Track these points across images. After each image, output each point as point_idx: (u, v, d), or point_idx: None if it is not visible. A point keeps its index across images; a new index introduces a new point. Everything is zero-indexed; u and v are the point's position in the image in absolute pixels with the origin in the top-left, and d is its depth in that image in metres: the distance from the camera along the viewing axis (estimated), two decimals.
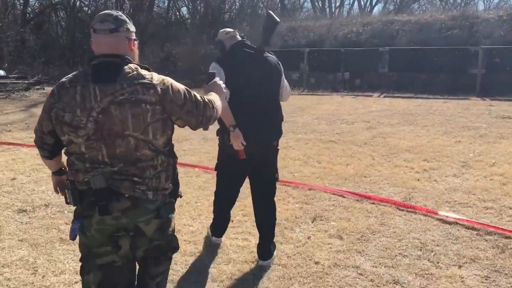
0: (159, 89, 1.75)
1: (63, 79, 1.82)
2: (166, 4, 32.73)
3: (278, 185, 3.35)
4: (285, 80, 3.21)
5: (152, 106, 1.74)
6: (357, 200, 4.53)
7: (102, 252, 1.81)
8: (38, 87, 16.90)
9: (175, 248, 2.00)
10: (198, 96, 1.87)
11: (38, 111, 8.32)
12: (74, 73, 1.83)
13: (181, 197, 2.05)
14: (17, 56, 24.60)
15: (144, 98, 1.73)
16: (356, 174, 5.52)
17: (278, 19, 3.06)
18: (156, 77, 1.79)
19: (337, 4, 36.43)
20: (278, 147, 3.24)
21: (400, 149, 6.80)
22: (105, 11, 1.86)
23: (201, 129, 1.94)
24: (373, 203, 4.42)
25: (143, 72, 1.79)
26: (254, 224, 3.34)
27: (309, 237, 3.66)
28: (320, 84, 17.26)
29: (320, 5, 35.55)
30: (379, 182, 5.19)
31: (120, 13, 1.86)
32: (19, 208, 4.34)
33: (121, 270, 1.86)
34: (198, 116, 1.85)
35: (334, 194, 4.73)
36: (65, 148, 1.84)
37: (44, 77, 18.24)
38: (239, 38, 3.07)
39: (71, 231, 1.82)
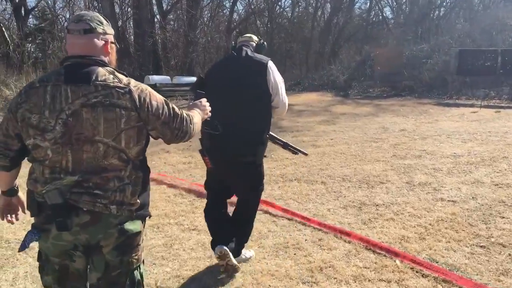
0: (136, 95, 1.68)
1: (34, 79, 1.76)
2: (368, 5, 30.18)
3: None
4: (281, 91, 2.91)
5: (127, 112, 1.66)
6: None
7: (58, 261, 1.74)
8: None
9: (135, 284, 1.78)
10: (176, 109, 1.80)
11: None
12: (47, 72, 1.90)
13: (150, 217, 1.85)
14: None
15: (119, 102, 1.65)
16: None
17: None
18: (134, 83, 1.72)
19: None
20: (257, 164, 2.97)
21: None
22: (82, 12, 1.81)
23: None
24: None
25: (120, 76, 1.72)
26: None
27: None
28: None
29: None
30: None
31: (97, 14, 1.78)
32: None
33: (76, 276, 1.77)
34: (174, 130, 1.78)
35: None
36: (30, 153, 1.72)
37: None
38: (251, 44, 3.03)
39: (23, 243, 1.71)
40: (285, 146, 3.45)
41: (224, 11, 30.63)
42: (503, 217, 3.93)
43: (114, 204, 1.66)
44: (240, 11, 31.95)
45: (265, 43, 3.17)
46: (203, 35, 25.32)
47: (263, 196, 4.53)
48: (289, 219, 4.02)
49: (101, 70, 1.68)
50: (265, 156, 3.13)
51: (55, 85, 1.65)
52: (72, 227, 1.63)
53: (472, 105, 11.65)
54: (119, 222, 1.69)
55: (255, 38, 3.13)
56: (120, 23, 23.06)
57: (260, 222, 3.95)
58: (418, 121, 9.40)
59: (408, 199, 4.51)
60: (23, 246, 1.72)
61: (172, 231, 3.83)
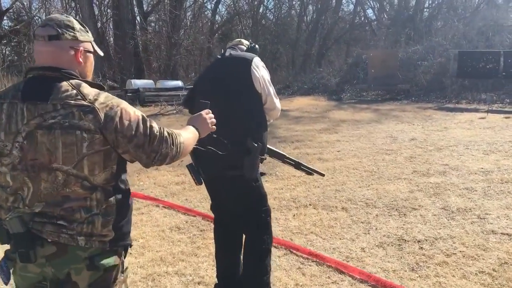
0: (101, 114, 1.42)
1: None
2: (352, 7, 29.66)
3: None
4: (271, 92, 2.55)
5: (90, 135, 1.41)
6: None
7: None
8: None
9: None
10: (155, 128, 1.51)
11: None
12: (7, 87, 1.55)
13: (131, 246, 1.60)
14: (202, 66, 24.47)
15: (80, 123, 1.41)
16: None
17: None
18: (103, 99, 1.44)
19: None
20: (246, 179, 2.46)
21: None
22: (53, 15, 1.56)
23: None
24: None
25: (87, 91, 1.45)
26: None
27: None
28: None
29: None
30: None
31: (70, 18, 1.53)
32: None
33: None
34: (151, 153, 1.49)
35: None
36: None
37: None
38: (240, 48, 2.72)
39: (1, 273, 1.53)
40: (297, 166, 3.01)
41: (206, 13, 29.80)
42: None
43: (82, 235, 1.44)
44: (223, 13, 31.20)
45: (257, 46, 2.80)
46: (186, 36, 24.40)
47: (278, 229, 3.75)
48: (318, 264, 3.24)
49: (63, 85, 1.43)
50: (263, 174, 2.58)
51: (11, 103, 1.44)
52: (37, 258, 1.44)
53: (476, 110, 11.07)
54: (89, 256, 1.46)
55: (245, 42, 2.82)
56: (99, 24, 21.99)
57: (283, 269, 3.16)
58: (426, 128, 8.73)
59: (453, 231, 3.76)
60: (6, 276, 1.53)
61: (172, 286, 3.00)
